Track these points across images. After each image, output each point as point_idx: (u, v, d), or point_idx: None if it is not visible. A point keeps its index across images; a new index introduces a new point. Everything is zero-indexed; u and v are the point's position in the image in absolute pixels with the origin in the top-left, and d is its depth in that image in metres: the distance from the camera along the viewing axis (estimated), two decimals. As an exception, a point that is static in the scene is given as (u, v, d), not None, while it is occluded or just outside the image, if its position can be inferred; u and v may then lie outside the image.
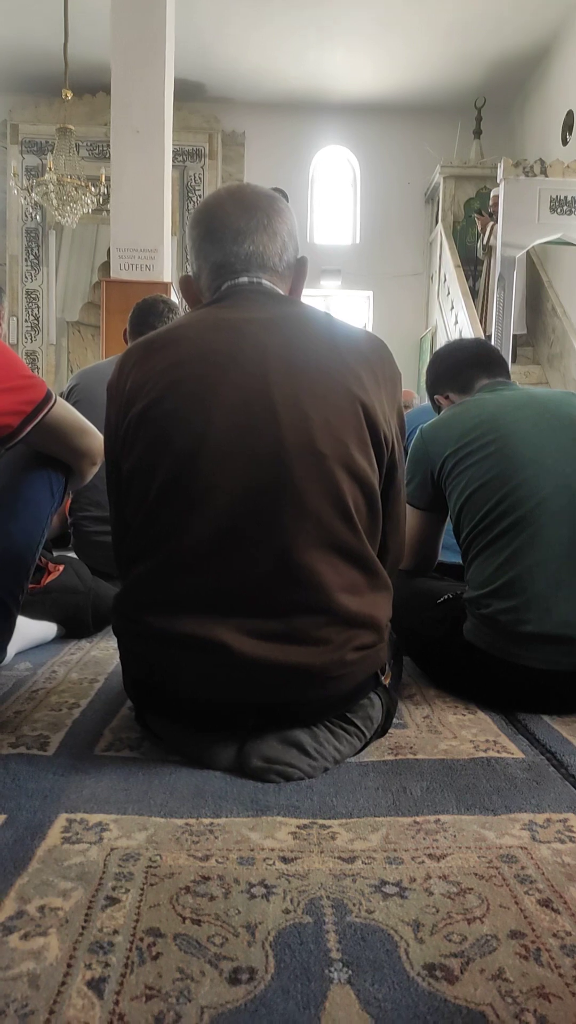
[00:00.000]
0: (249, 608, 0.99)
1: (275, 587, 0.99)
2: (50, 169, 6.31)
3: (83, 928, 0.67)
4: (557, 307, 7.30)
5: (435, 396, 1.70)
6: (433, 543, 1.60)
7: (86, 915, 0.69)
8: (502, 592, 1.28)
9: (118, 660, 1.26)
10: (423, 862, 0.79)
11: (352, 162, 8.94)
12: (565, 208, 5.51)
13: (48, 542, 1.92)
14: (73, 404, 1.87)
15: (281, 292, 1.14)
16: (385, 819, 0.89)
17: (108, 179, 5.18)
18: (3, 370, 1.23)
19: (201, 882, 0.75)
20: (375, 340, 1.14)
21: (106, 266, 6.33)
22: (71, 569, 1.81)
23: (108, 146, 5.17)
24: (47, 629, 1.70)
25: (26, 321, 8.17)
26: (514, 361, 6.82)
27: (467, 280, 7.49)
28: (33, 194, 6.49)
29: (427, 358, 1.74)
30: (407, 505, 1.30)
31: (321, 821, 0.88)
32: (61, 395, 2.24)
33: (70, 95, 6.20)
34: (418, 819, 0.89)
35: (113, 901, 0.71)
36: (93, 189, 6.29)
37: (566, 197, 5.47)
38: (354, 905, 0.71)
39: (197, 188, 8.11)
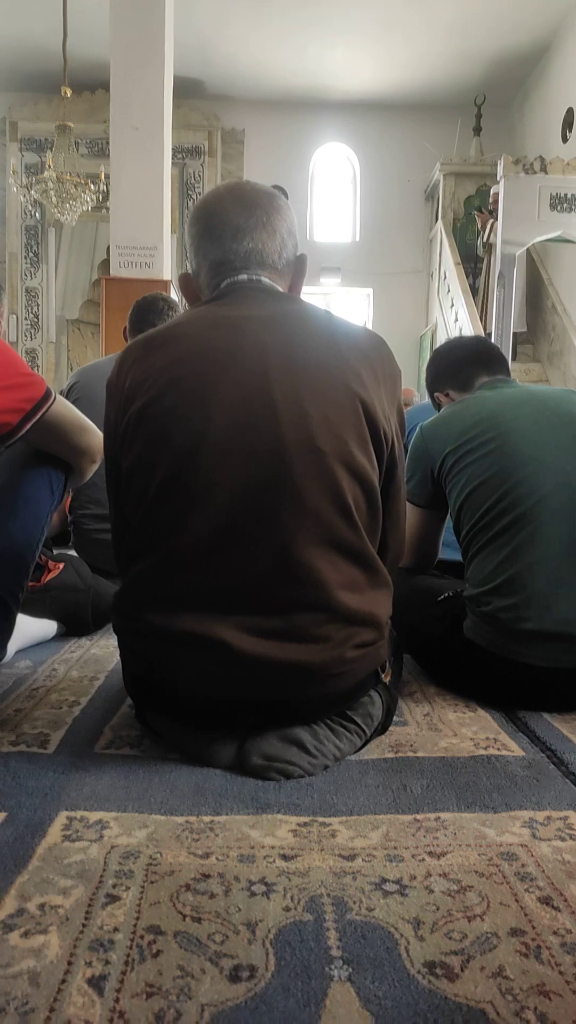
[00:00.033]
0: (249, 606, 0.99)
1: (275, 584, 0.99)
2: (49, 166, 6.31)
3: (83, 926, 0.67)
4: (557, 304, 7.30)
5: (435, 394, 1.70)
6: (433, 541, 1.60)
7: (86, 913, 0.69)
8: (502, 590, 1.28)
9: (118, 658, 1.26)
10: (423, 860, 0.79)
11: (352, 159, 8.93)
12: (565, 205, 5.51)
13: (48, 540, 1.92)
14: (73, 402, 1.87)
15: (280, 289, 1.14)
16: (385, 817, 0.89)
17: (107, 177, 5.17)
18: (2, 368, 1.23)
19: (201, 880, 0.75)
20: (375, 337, 1.14)
21: (106, 264, 6.33)
22: (71, 567, 1.81)
23: (107, 143, 5.16)
24: (47, 627, 1.70)
25: (26, 319, 8.16)
26: (514, 359, 6.82)
27: (467, 277, 7.49)
28: (32, 192, 6.48)
29: (427, 356, 1.74)
30: (407, 503, 1.30)
31: (321, 819, 0.88)
32: (61, 393, 2.24)
33: (69, 92, 6.19)
34: (418, 817, 0.89)
35: (113, 899, 0.71)
36: (92, 187, 6.28)
37: (566, 194, 5.47)
38: (354, 903, 0.71)
39: (197, 186, 8.10)
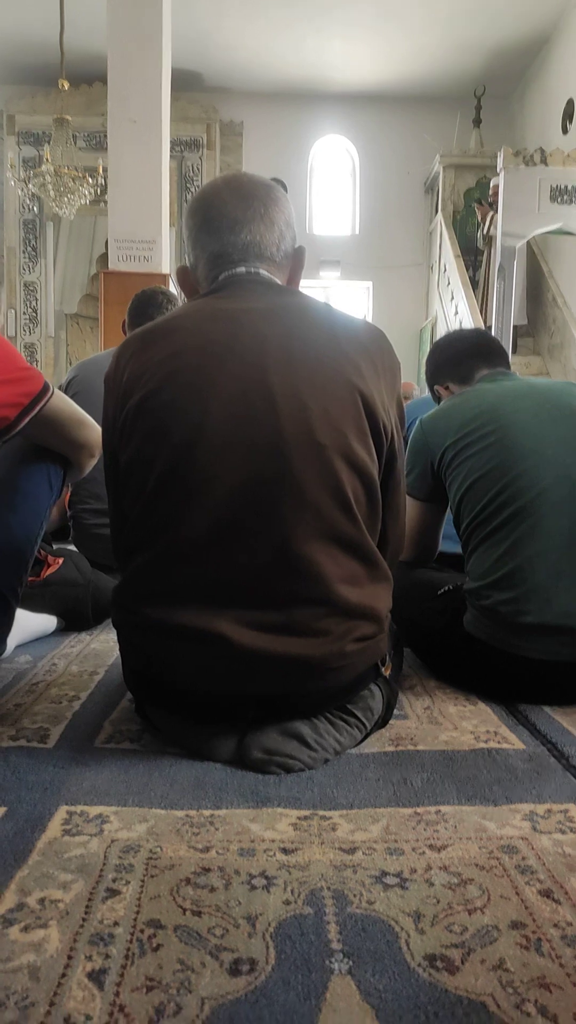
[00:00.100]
0: (248, 599, 0.99)
1: (274, 578, 0.98)
2: (47, 160, 6.29)
3: (83, 920, 0.67)
4: (557, 297, 7.28)
5: (435, 387, 1.69)
6: (433, 534, 1.60)
7: (86, 907, 0.69)
8: (502, 583, 1.28)
9: (118, 652, 1.26)
10: (424, 853, 0.79)
11: (351, 152, 8.90)
12: (565, 197, 5.49)
13: (48, 535, 1.91)
14: (72, 396, 1.87)
15: (279, 282, 1.13)
16: (386, 810, 0.89)
17: (105, 170, 5.15)
18: (0, 362, 1.22)
19: (201, 873, 0.74)
20: (374, 330, 1.13)
21: (104, 257, 6.31)
22: (70, 562, 1.81)
23: (105, 137, 5.14)
24: (47, 622, 1.70)
25: (24, 313, 8.15)
26: (514, 352, 6.81)
27: (467, 270, 7.47)
28: (30, 185, 6.46)
29: (427, 349, 1.74)
30: (407, 496, 1.29)
31: (322, 812, 0.88)
32: (60, 387, 2.23)
33: (67, 85, 6.16)
34: (419, 810, 0.89)
35: (113, 893, 0.71)
36: (90, 180, 6.26)
37: (566, 186, 5.45)
38: (355, 896, 0.71)
39: (195, 178, 8.07)
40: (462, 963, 0.62)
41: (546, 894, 0.72)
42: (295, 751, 0.99)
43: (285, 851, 0.79)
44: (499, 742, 1.11)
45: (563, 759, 1.05)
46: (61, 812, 0.87)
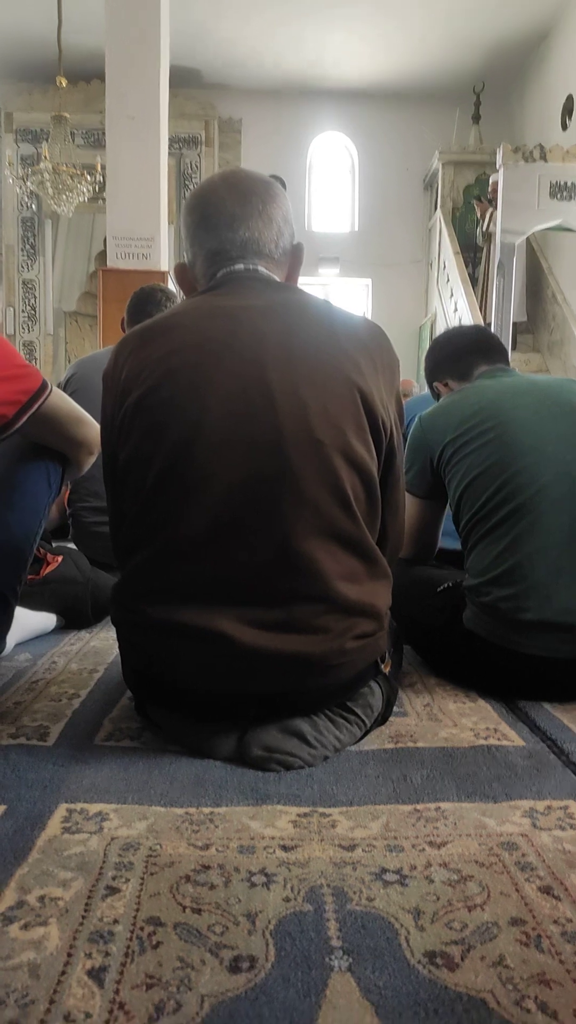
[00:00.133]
0: (248, 597, 0.98)
1: (274, 576, 0.98)
2: (45, 158, 6.28)
3: (83, 918, 0.67)
4: (557, 294, 7.27)
5: (434, 383, 1.69)
6: (433, 531, 1.60)
7: (86, 905, 0.69)
8: (502, 580, 1.28)
9: (117, 650, 1.26)
10: (423, 850, 0.79)
11: (350, 149, 8.88)
12: (565, 194, 5.48)
13: (47, 533, 1.91)
14: (71, 394, 1.86)
15: (277, 279, 1.13)
16: (385, 807, 0.89)
17: (104, 167, 5.14)
18: (-2, 360, 1.22)
19: (201, 871, 0.74)
20: (373, 327, 1.13)
21: (103, 255, 6.30)
22: (70, 560, 1.81)
23: (104, 134, 5.13)
24: (47, 620, 1.70)
25: (23, 311, 8.14)
26: (514, 348, 6.80)
27: (466, 267, 7.46)
28: (28, 183, 6.45)
29: (427, 346, 1.73)
30: (407, 493, 1.29)
31: (321, 809, 0.88)
32: (59, 385, 2.23)
33: (64, 82, 6.15)
34: (418, 807, 0.89)
35: (113, 890, 0.71)
36: (89, 177, 6.25)
37: (566, 183, 5.43)
38: (354, 893, 0.71)
39: (194, 175, 8.06)
40: (462, 960, 0.62)
41: (546, 891, 0.72)
42: (295, 748, 0.99)
43: (285, 848, 0.79)
44: (499, 739, 1.11)
45: (563, 756, 1.05)
46: (61, 810, 0.87)
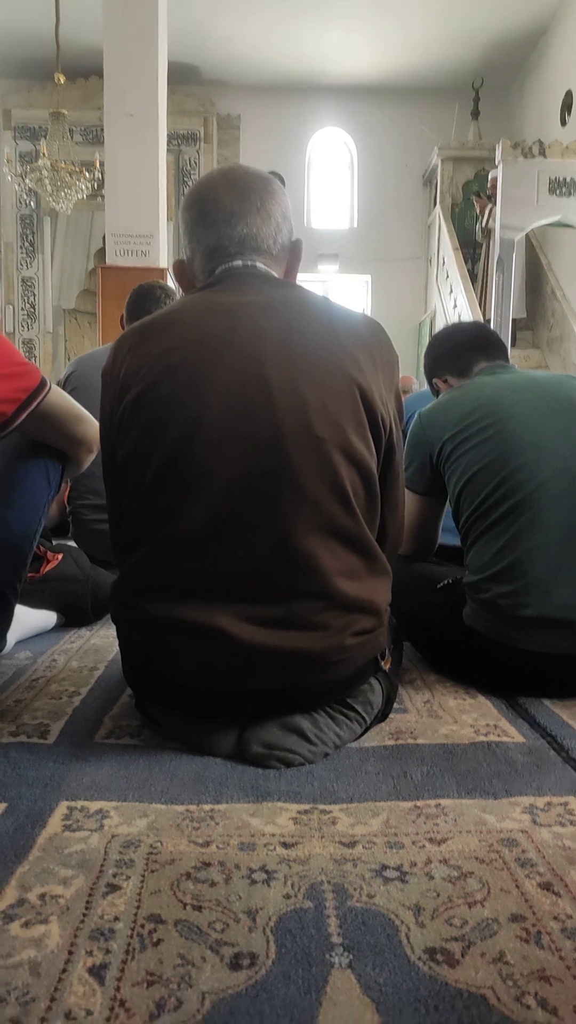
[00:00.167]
0: (247, 594, 0.98)
1: (273, 572, 0.98)
2: (44, 155, 6.27)
3: (84, 915, 0.67)
4: (557, 290, 7.26)
5: (433, 380, 1.69)
6: (433, 528, 1.60)
7: (87, 902, 0.69)
8: (502, 576, 1.28)
9: (117, 648, 1.26)
10: (424, 846, 0.79)
11: (349, 145, 8.87)
12: (564, 190, 5.47)
13: (47, 531, 1.91)
14: (70, 392, 1.86)
15: (276, 275, 1.13)
16: (386, 804, 0.89)
17: (102, 164, 5.13)
18: (-3, 357, 1.22)
19: (202, 868, 0.74)
20: (373, 323, 1.13)
21: (102, 252, 6.30)
22: (70, 557, 1.81)
23: (102, 131, 5.12)
24: (47, 618, 1.70)
25: (22, 309, 8.13)
26: (513, 345, 6.80)
27: (466, 263, 7.46)
28: (27, 180, 6.44)
29: (426, 343, 1.73)
30: (406, 490, 1.29)
31: (322, 806, 0.88)
32: (58, 383, 2.23)
33: (63, 79, 6.14)
34: (419, 803, 0.89)
35: (114, 888, 0.71)
36: (87, 174, 6.24)
37: (565, 179, 5.43)
38: (355, 890, 0.71)
39: (192, 172, 8.05)
40: (462, 956, 0.62)
41: (546, 887, 0.72)
42: (295, 745, 0.99)
43: (285, 845, 0.79)
44: (499, 735, 1.11)
45: (563, 752, 1.05)
46: (61, 808, 0.87)
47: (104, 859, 0.76)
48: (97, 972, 0.60)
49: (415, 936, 0.65)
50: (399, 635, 1.30)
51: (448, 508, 1.49)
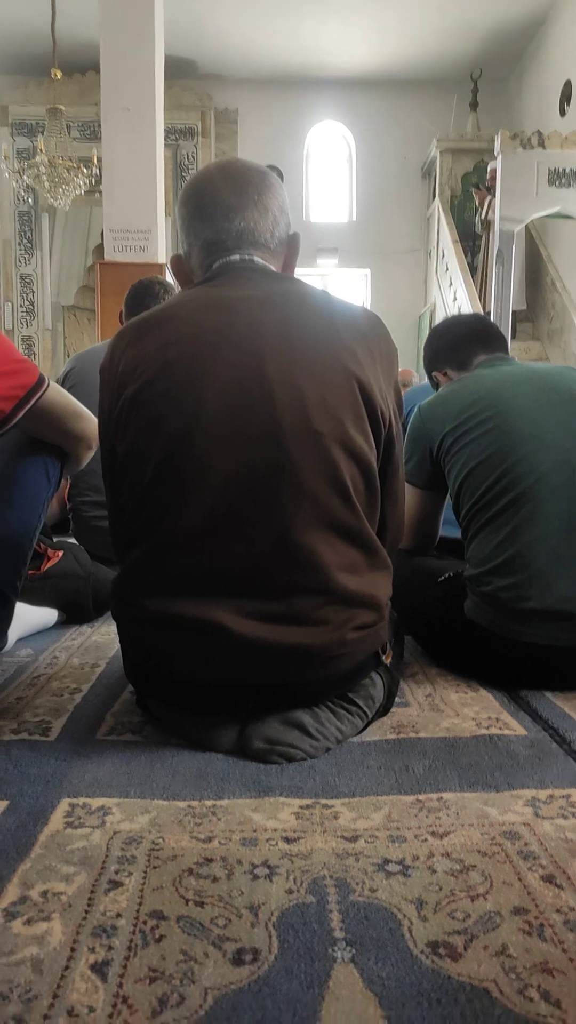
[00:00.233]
0: (247, 589, 0.98)
1: (273, 568, 0.98)
2: (41, 151, 6.24)
3: (86, 912, 0.67)
4: (557, 282, 7.24)
5: (433, 373, 1.69)
6: (433, 521, 1.59)
7: (89, 899, 0.69)
8: (503, 569, 1.27)
9: (119, 645, 1.26)
10: (426, 840, 0.79)
11: (347, 138, 8.83)
12: (564, 181, 5.43)
13: (47, 528, 1.91)
14: (69, 388, 1.86)
15: (274, 269, 1.12)
16: (388, 798, 0.89)
17: (100, 160, 5.12)
18: (-5, 355, 1.21)
19: (204, 864, 0.74)
20: (372, 317, 1.12)
21: (100, 248, 6.28)
22: (70, 555, 1.81)
23: (99, 126, 5.10)
24: (48, 615, 1.70)
25: (21, 306, 8.11)
26: (514, 337, 6.77)
27: (465, 256, 7.42)
28: (25, 177, 6.41)
29: (426, 336, 1.73)
30: (406, 484, 1.29)
31: (324, 801, 0.88)
32: (57, 380, 2.22)
33: (59, 75, 6.11)
34: (420, 797, 0.89)
35: (116, 885, 0.71)
36: (85, 170, 6.21)
37: (565, 169, 5.39)
38: (357, 884, 0.71)
39: (190, 167, 8.01)
40: (465, 949, 0.62)
41: (548, 879, 0.72)
42: (296, 740, 0.99)
43: (287, 840, 0.79)
44: (500, 728, 1.11)
45: (565, 744, 1.05)
46: (63, 805, 0.87)
47: (106, 856, 0.76)
48: (99, 969, 0.60)
49: (417, 930, 0.65)
50: (400, 629, 1.30)
51: (448, 501, 1.49)
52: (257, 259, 1.10)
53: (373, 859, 0.75)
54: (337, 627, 0.99)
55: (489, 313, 5.49)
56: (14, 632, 1.52)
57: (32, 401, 1.23)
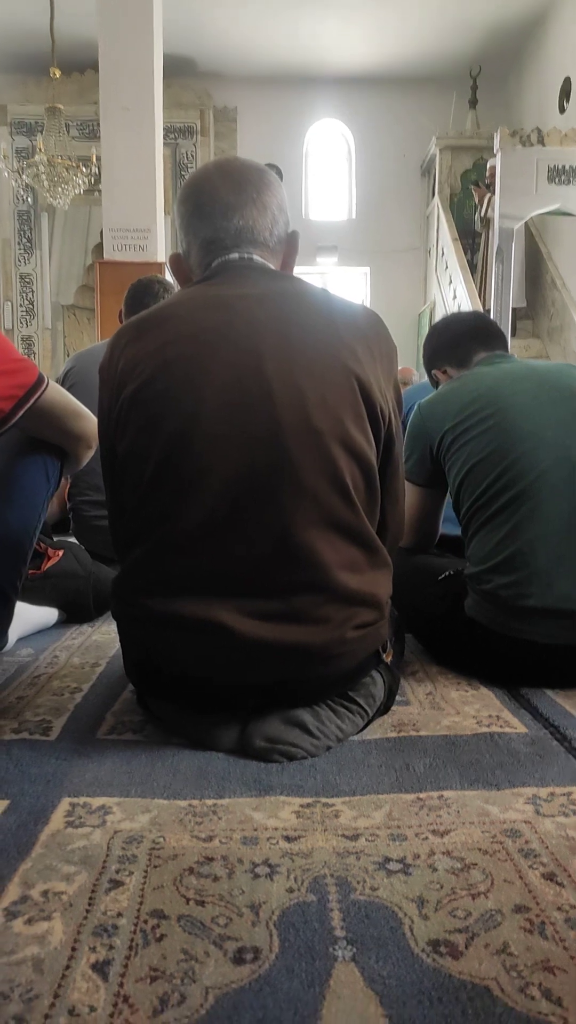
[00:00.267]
0: (248, 588, 0.98)
1: (273, 567, 0.98)
2: (40, 150, 6.23)
3: (87, 912, 0.67)
4: (556, 279, 7.23)
5: (433, 371, 1.68)
6: (433, 519, 1.59)
7: (90, 899, 0.69)
8: (503, 567, 1.27)
9: (119, 644, 1.26)
10: (427, 838, 0.79)
11: (346, 135, 8.82)
12: (563, 178, 5.42)
13: (48, 527, 1.91)
14: (69, 388, 1.86)
15: (273, 267, 1.12)
16: (388, 796, 0.89)
17: (99, 159, 5.11)
18: (-6, 354, 1.21)
19: (205, 863, 0.74)
20: (371, 315, 1.12)
21: (100, 248, 6.27)
22: (71, 554, 1.81)
23: (99, 125, 5.10)
24: (48, 614, 1.70)
25: (21, 306, 8.11)
26: (514, 335, 6.76)
27: (465, 253, 7.41)
28: (24, 176, 6.41)
29: (426, 334, 1.72)
30: (407, 482, 1.29)
31: (324, 799, 0.88)
32: (57, 379, 2.22)
33: (58, 73, 6.10)
34: (421, 795, 0.89)
35: (117, 884, 0.71)
36: (84, 169, 6.20)
37: (564, 166, 5.38)
38: (358, 883, 0.71)
39: (189, 166, 8.00)
40: (466, 948, 0.62)
41: (549, 877, 0.72)
42: (297, 739, 0.99)
43: (288, 839, 0.79)
44: (501, 726, 1.11)
45: (565, 742, 1.04)
46: (64, 804, 0.87)
47: (107, 855, 0.76)
48: (100, 968, 0.60)
49: (418, 928, 0.65)
50: (401, 627, 1.30)
51: (448, 499, 1.49)
52: (256, 257, 1.09)
53: (374, 858, 0.75)
54: (338, 626, 0.99)
55: (489, 311, 5.48)
56: (14, 631, 1.52)
57: (31, 400, 1.23)
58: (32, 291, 8.11)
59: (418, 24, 7.35)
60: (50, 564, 1.72)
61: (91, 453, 1.42)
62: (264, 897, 0.69)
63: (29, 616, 1.61)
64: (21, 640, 1.59)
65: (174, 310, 1.07)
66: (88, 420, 1.36)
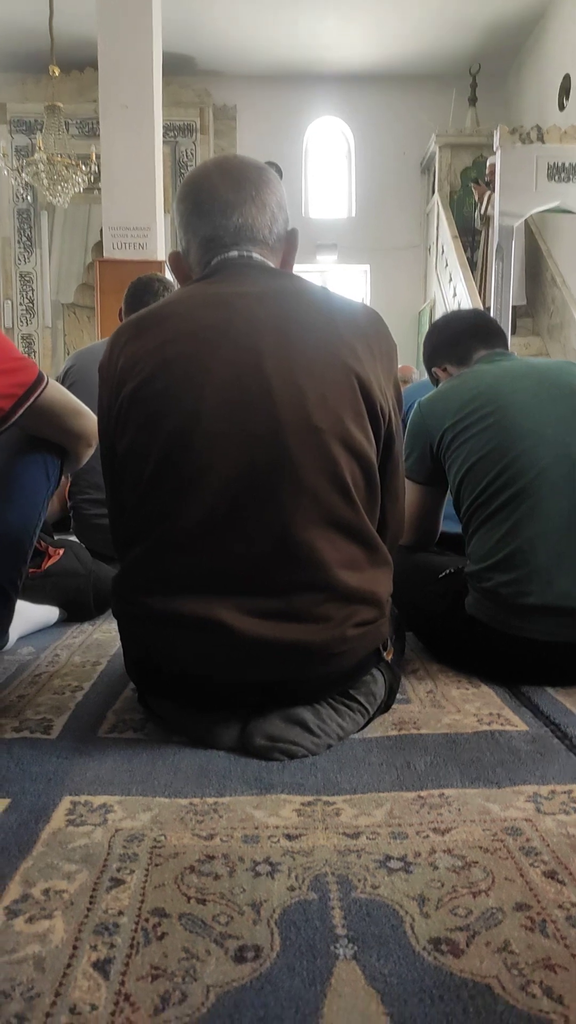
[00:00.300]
0: (248, 587, 0.98)
1: (274, 565, 0.98)
2: (40, 148, 6.23)
3: (88, 910, 0.67)
4: (556, 277, 7.22)
5: (433, 369, 1.68)
6: (434, 517, 1.59)
7: (91, 897, 0.69)
8: (503, 565, 1.27)
9: (120, 642, 1.26)
10: (428, 836, 0.79)
11: (346, 133, 8.81)
12: (563, 175, 5.42)
13: (48, 525, 1.91)
14: (69, 386, 1.86)
15: (272, 265, 1.12)
16: (389, 794, 0.89)
17: (99, 157, 5.11)
18: (-6, 353, 1.21)
19: (206, 861, 0.74)
20: (371, 313, 1.12)
21: (99, 246, 6.27)
22: (71, 552, 1.81)
23: (98, 123, 5.09)
24: (49, 613, 1.70)
25: (21, 304, 8.10)
26: (513, 332, 6.76)
27: (465, 251, 7.41)
28: (23, 174, 6.40)
29: (426, 332, 1.72)
30: (407, 480, 1.29)
31: (325, 798, 0.88)
32: (57, 378, 2.22)
33: (58, 72, 6.10)
34: (422, 794, 0.89)
35: (118, 882, 0.71)
36: (84, 167, 6.20)
37: (564, 164, 5.38)
38: (359, 881, 0.71)
39: (189, 164, 7.99)
40: (467, 946, 0.62)
41: (551, 875, 0.72)
42: (298, 737, 0.99)
43: (289, 837, 0.79)
44: (502, 724, 1.11)
45: (566, 740, 1.04)
46: (65, 802, 0.87)
47: (108, 853, 0.76)
48: (101, 967, 0.60)
49: (419, 926, 0.65)
50: (401, 625, 1.30)
51: (449, 497, 1.49)
52: (255, 255, 1.09)
53: (375, 856, 0.75)
54: (338, 624, 0.99)
55: (489, 308, 5.48)
56: (15, 630, 1.52)
57: (31, 399, 1.23)
58: (32, 289, 8.11)
59: (418, 21, 7.34)
60: (51, 563, 1.72)
61: (91, 451, 1.42)
62: (265, 895, 0.69)
63: (30, 615, 1.61)
64: (22, 639, 1.59)
65: (174, 308, 1.06)
66: (88, 418, 1.36)
